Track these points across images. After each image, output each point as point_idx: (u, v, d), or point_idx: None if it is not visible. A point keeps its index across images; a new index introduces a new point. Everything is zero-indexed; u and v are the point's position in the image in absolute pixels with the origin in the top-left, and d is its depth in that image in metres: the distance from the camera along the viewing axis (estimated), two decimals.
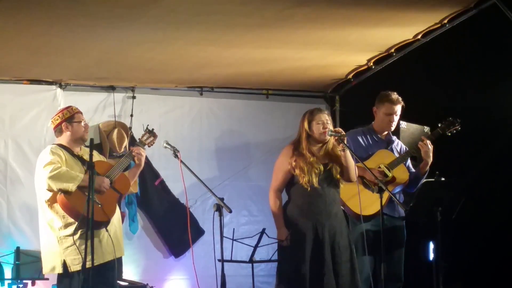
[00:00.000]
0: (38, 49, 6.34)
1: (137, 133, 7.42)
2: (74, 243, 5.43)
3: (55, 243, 5.52)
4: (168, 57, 6.74)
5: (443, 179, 6.09)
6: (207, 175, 7.36)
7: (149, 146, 5.99)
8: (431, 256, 6.33)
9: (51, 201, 5.51)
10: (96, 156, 5.90)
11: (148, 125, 6.05)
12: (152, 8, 5.47)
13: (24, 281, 6.64)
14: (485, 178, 6.68)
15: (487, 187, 6.68)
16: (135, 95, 7.55)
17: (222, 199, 5.41)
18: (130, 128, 7.44)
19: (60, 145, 5.70)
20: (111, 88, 7.48)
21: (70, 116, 5.74)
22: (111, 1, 5.36)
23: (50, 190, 5.47)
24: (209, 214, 5.63)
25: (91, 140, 5.37)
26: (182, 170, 5.65)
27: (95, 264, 5.42)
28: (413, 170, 6.29)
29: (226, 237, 5.52)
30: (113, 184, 5.67)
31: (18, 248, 6.71)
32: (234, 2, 5.46)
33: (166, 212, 7.47)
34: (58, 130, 5.76)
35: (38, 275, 6.58)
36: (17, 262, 6.63)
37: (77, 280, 5.41)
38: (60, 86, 7.27)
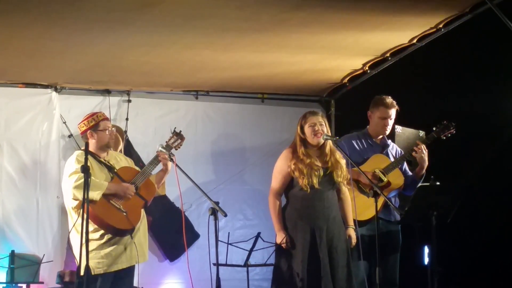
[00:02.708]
0: (34, 52, 6.34)
1: (132, 136, 7.45)
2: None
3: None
4: (164, 61, 6.73)
5: (438, 183, 6.09)
6: (202, 179, 7.35)
7: (176, 149, 5.94)
8: (426, 260, 6.31)
9: (77, 208, 5.52)
10: (124, 162, 5.94)
11: (175, 127, 6.01)
12: (147, 12, 5.47)
13: (19, 284, 6.63)
14: (481, 182, 6.67)
15: (483, 191, 6.67)
16: (130, 98, 7.54)
17: (217, 203, 5.40)
18: (126, 131, 7.42)
19: None
20: (107, 92, 7.47)
21: (95, 124, 5.79)
22: (106, 5, 5.35)
23: (75, 199, 5.51)
24: (204, 218, 5.61)
25: (86, 143, 5.36)
26: (177, 174, 5.65)
27: (119, 268, 5.61)
28: (409, 173, 6.30)
29: (221, 241, 5.52)
30: (138, 191, 5.70)
31: (13, 251, 6.70)
32: (230, 6, 5.46)
33: (161, 216, 7.44)
34: (84, 137, 5.82)
35: (33, 279, 6.58)
36: (11, 266, 6.62)
37: (99, 283, 5.51)
38: (56, 90, 7.26)
